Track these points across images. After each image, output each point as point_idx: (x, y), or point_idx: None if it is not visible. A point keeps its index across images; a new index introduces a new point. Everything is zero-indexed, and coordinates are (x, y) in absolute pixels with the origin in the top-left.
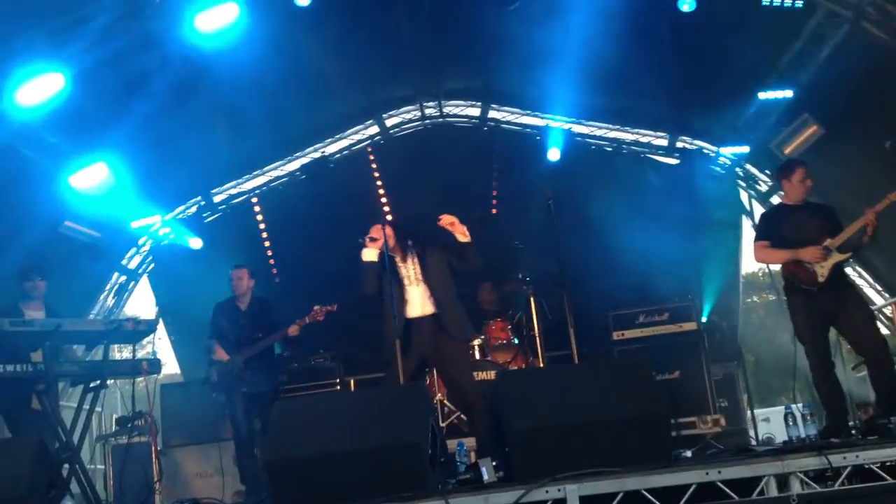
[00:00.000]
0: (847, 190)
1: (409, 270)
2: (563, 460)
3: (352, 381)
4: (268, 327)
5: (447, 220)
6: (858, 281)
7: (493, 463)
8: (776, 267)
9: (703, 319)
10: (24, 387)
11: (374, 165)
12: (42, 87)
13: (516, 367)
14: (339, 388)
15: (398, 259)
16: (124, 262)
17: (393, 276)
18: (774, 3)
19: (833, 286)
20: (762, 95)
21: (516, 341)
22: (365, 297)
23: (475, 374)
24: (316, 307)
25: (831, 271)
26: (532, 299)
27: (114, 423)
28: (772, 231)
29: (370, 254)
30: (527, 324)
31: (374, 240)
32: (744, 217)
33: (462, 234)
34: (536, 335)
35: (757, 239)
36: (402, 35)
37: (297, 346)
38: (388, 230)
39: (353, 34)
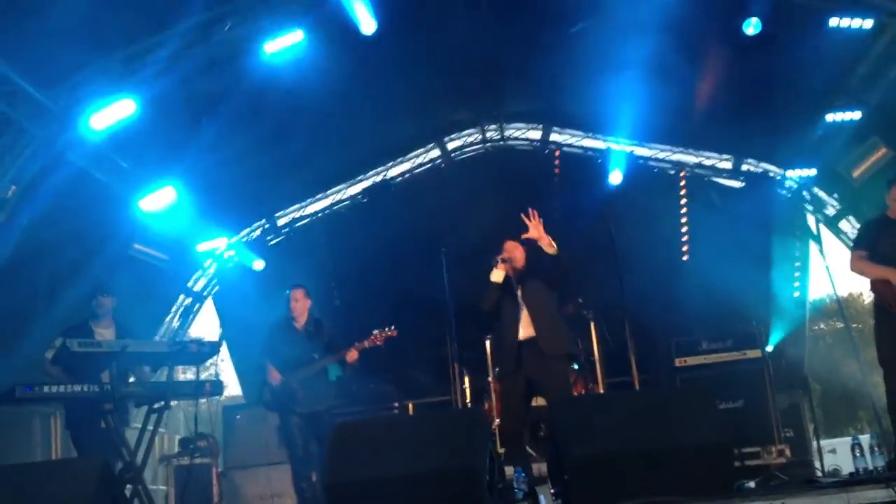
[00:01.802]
0: None
1: (519, 294)
2: (623, 489)
3: (410, 405)
4: (323, 348)
5: (534, 233)
6: None
7: (552, 490)
8: (844, 293)
9: (770, 348)
10: (91, 406)
11: (435, 189)
12: (114, 112)
13: (576, 393)
14: (396, 411)
15: (514, 281)
16: (190, 284)
17: (512, 298)
18: (842, 25)
19: None
20: (830, 117)
21: (576, 366)
22: (481, 311)
23: (534, 399)
24: (375, 332)
25: None
26: (592, 324)
27: (177, 444)
28: (871, 242)
29: (498, 275)
30: (587, 349)
31: (506, 261)
32: (811, 242)
33: (549, 246)
34: (596, 360)
35: (855, 247)
36: (465, 59)
37: (355, 368)
38: (520, 252)
39: (415, 58)
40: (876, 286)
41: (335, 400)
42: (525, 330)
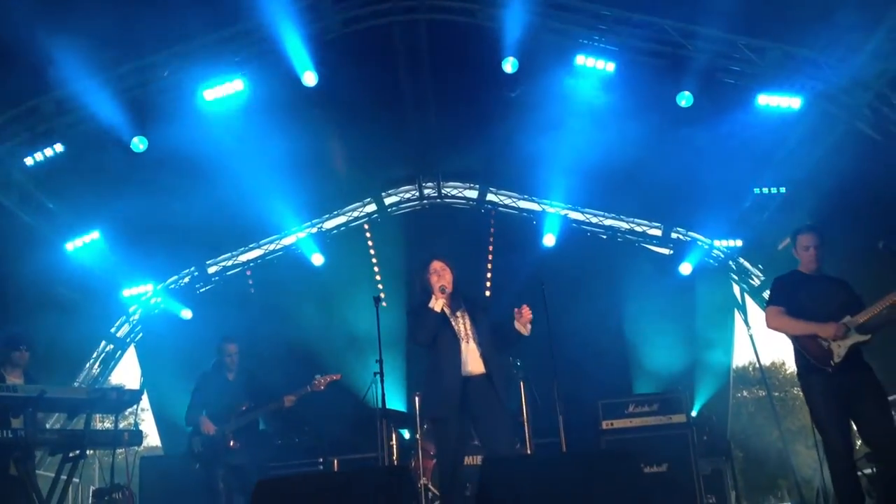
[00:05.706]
0: None
1: (461, 326)
2: None
3: (335, 462)
4: (255, 398)
5: (528, 315)
6: None
7: None
8: (767, 362)
9: (694, 413)
10: (1, 453)
11: (370, 243)
12: (45, 152)
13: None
14: (321, 467)
15: (448, 313)
16: (113, 329)
17: (449, 330)
18: (770, 104)
19: (849, 368)
20: (757, 191)
21: None
22: (418, 344)
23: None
24: (318, 377)
25: (848, 352)
26: (522, 384)
27: (91, 495)
28: (788, 297)
29: (439, 304)
30: (515, 409)
31: (444, 290)
32: (736, 310)
33: (525, 329)
34: (525, 421)
35: (771, 303)
36: (406, 117)
37: (281, 422)
38: (449, 275)
39: (356, 113)
40: (802, 342)
41: (266, 452)
42: (472, 365)
